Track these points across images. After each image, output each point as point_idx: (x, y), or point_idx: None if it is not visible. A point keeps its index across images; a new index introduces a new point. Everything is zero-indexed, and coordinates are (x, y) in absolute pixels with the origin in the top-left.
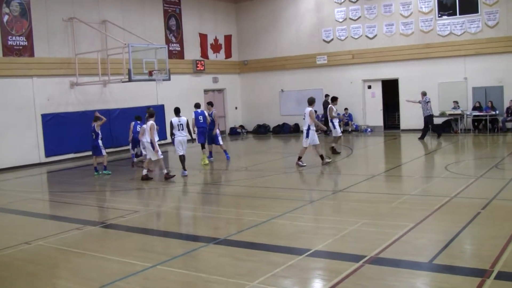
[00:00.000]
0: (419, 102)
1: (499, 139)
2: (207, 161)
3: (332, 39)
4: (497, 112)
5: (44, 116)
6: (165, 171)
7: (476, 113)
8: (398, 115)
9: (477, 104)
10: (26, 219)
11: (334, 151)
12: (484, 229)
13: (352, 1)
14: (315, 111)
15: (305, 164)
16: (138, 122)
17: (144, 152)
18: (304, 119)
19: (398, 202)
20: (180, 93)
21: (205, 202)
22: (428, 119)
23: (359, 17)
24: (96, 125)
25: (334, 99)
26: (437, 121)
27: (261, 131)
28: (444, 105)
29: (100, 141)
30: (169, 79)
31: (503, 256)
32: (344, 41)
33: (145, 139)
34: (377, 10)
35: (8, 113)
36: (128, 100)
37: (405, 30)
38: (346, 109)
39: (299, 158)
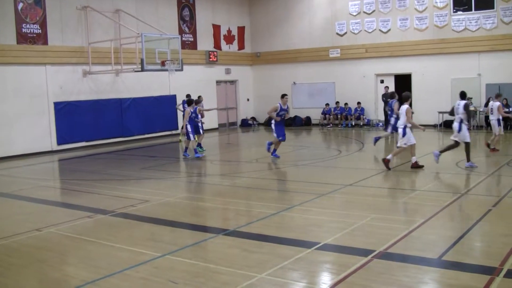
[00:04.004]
0: None
1: (511, 136)
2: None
3: (345, 33)
4: (511, 109)
5: (56, 104)
6: (414, 159)
7: None
8: None
9: (489, 100)
10: (37, 206)
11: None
12: (495, 226)
13: None
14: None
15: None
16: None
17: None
18: (492, 113)
19: (408, 197)
20: (192, 84)
21: (215, 193)
22: None
23: (373, 11)
24: (198, 109)
25: (498, 96)
26: (450, 117)
27: None
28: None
29: (199, 123)
30: (181, 70)
31: None
32: (358, 35)
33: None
34: (392, 4)
35: (21, 100)
36: (140, 90)
37: (419, 25)
38: (359, 103)
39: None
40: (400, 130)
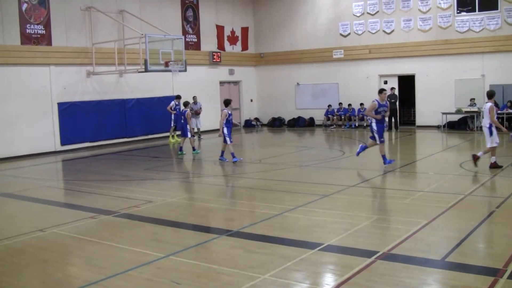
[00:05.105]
0: None
1: None
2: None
3: (349, 33)
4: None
5: (60, 105)
6: (493, 160)
7: None
8: (414, 111)
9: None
10: (41, 206)
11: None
12: (498, 228)
13: None
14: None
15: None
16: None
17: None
18: None
19: (412, 198)
20: (195, 84)
21: (218, 194)
22: None
23: (377, 11)
24: (187, 113)
25: None
26: (453, 118)
27: (276, 124)
28: (461, 102)
29: (188, 125)
30: (185, 70)
31: None
32: (361, 36)
33: (484, 123)
34: (395, 5)
35: (24, 101)
36: (144, 91)
37: (423, 26)
38: (362, 104)
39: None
40: (485, 130)
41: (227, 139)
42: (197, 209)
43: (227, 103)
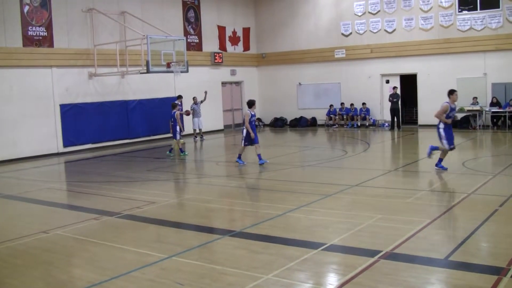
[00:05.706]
0: None
1: None
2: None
3: (350, 33)
4: None
5: (62, 106)
6: None
7: (495, 109)
8: (416, 110)
9: (494, 100)
10: (44, 208)
11: None
12: (501, 226)
13: None
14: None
15: None
16: None
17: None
18: None
19: (415, 197)
20: (197, 85)
21: (221, 194)
22: None
23: (378, 11)
24: (177, 114)
25: None
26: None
27: (278, 124)
28: (463, 101)
29: (178, 127)
30: (187, 71)
31: None
32: (363, 35)
33: None
34: (397, 4)
35: (27, 103)
36: (146, 92)
37: (424, 25)
38: (364, 103)
39: None
40: None
41: (242, 141)
42: (199, 209)
43: (250, 104)
